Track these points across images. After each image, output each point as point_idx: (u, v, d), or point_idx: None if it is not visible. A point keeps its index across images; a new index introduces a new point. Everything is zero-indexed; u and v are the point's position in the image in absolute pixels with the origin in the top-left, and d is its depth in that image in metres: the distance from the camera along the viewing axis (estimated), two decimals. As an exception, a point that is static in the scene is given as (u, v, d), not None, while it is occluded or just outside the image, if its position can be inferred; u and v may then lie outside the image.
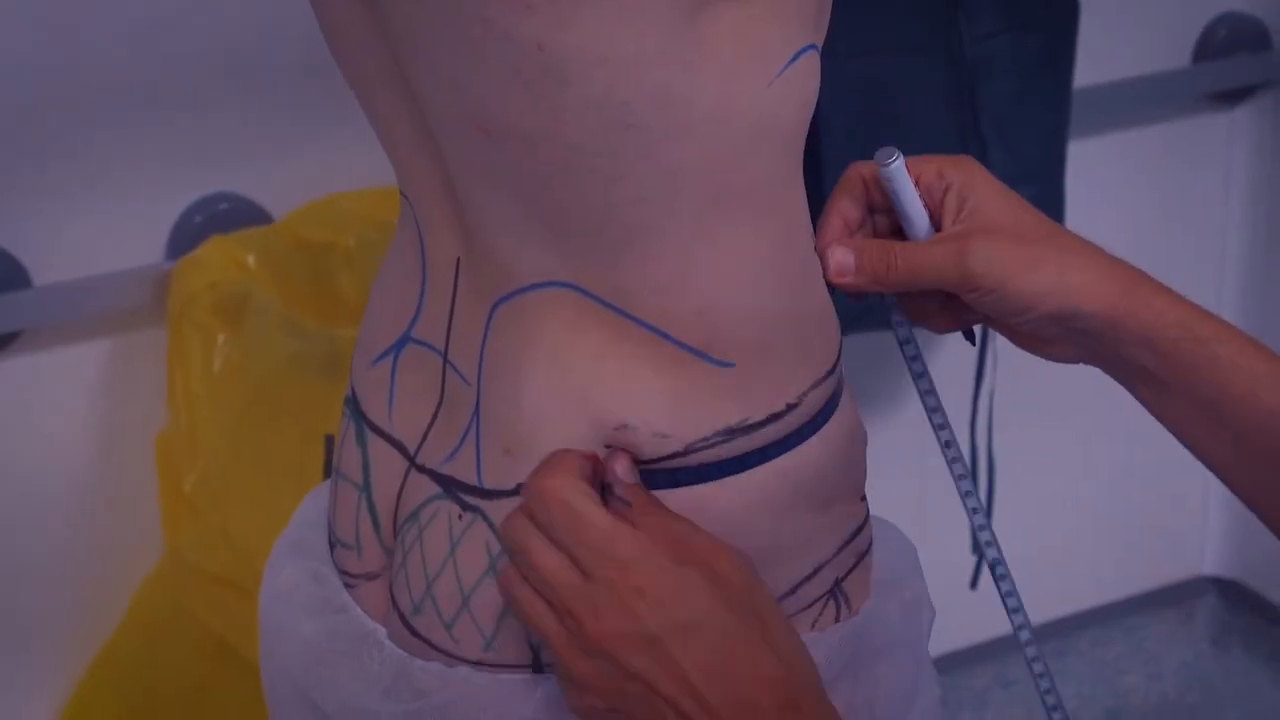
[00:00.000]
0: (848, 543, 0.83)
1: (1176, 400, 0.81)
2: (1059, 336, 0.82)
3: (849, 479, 0.83)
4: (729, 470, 0.77)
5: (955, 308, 0.84)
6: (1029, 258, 0.79)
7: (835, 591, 0.82)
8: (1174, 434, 0.83)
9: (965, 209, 0.82)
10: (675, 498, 0.77)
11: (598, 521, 0.73)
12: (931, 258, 0.80)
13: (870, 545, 0.85)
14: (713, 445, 0.77)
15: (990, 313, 0.82)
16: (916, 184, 0.83)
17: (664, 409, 0.77)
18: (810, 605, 0.81)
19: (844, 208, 0.84)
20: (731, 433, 0.77)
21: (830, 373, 0.81)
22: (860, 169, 0.85)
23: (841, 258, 0.82)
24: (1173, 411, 0.82)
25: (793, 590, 0.80)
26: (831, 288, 0.82)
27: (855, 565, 0.84)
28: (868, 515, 0.85)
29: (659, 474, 0.77)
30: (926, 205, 0.83)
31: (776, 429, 0.78)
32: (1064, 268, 0.79)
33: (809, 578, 0.81)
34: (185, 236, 1.62)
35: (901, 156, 0.83)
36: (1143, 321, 0.79)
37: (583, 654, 0.73)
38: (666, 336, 0.76)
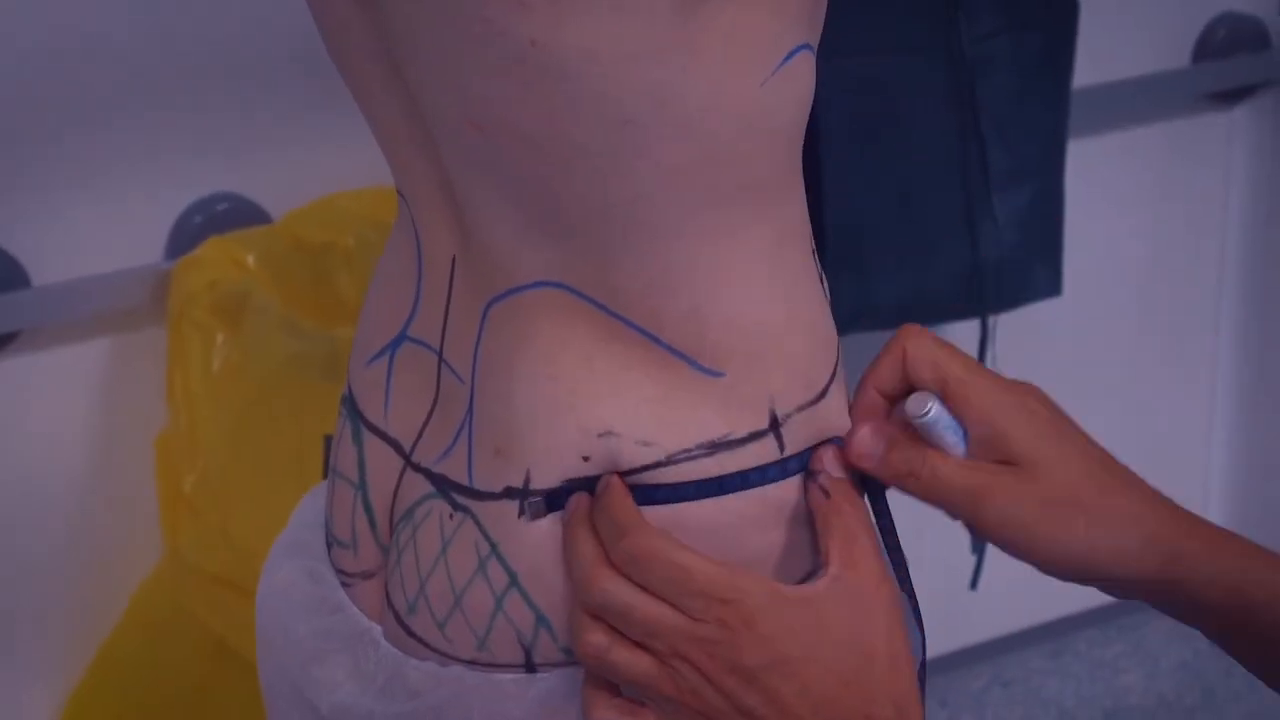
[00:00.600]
0: None
1: (1236, 644, 0.79)
2: None
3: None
4: (707, 492, 0.77)
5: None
6: (1055, 519, 0.77)
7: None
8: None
9: (1008, 447, 0.78)
10: (654, 511, 0.76)
11: (703, 568, 0.74)
12: (951, 491, 0.78)
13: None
14: (695, 457, 0.77)
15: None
16: (968, 408, 0.78)
17: (649, 416, 0.77)
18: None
19: (882, 380, 0.80)
20: (714, 446, 0.77)
21: (822, 396, 0.80)
22: (905, 341, 0.80)
23: (868, 442, 0.79)
24: (1235, 650, 0.80)
25: None
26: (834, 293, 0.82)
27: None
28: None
29: (636, 489, 0.77)
30: (975, 427, 0.79)
31: (758, 451, 0.78)
32: (1093, 539, 0.77)
33: (800, 583, 0.80)
34: (184, 236, 1.62)
35: (935, 404, 0.78)
36: (1188, 592, 0.77)
37: (697, 695, 0.74)
38: (657, 340, 0.76)
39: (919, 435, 0.79)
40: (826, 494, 0.77)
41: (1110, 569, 0.77)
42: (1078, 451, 0.79)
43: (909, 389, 0.80)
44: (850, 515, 0.77)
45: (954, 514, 0.79)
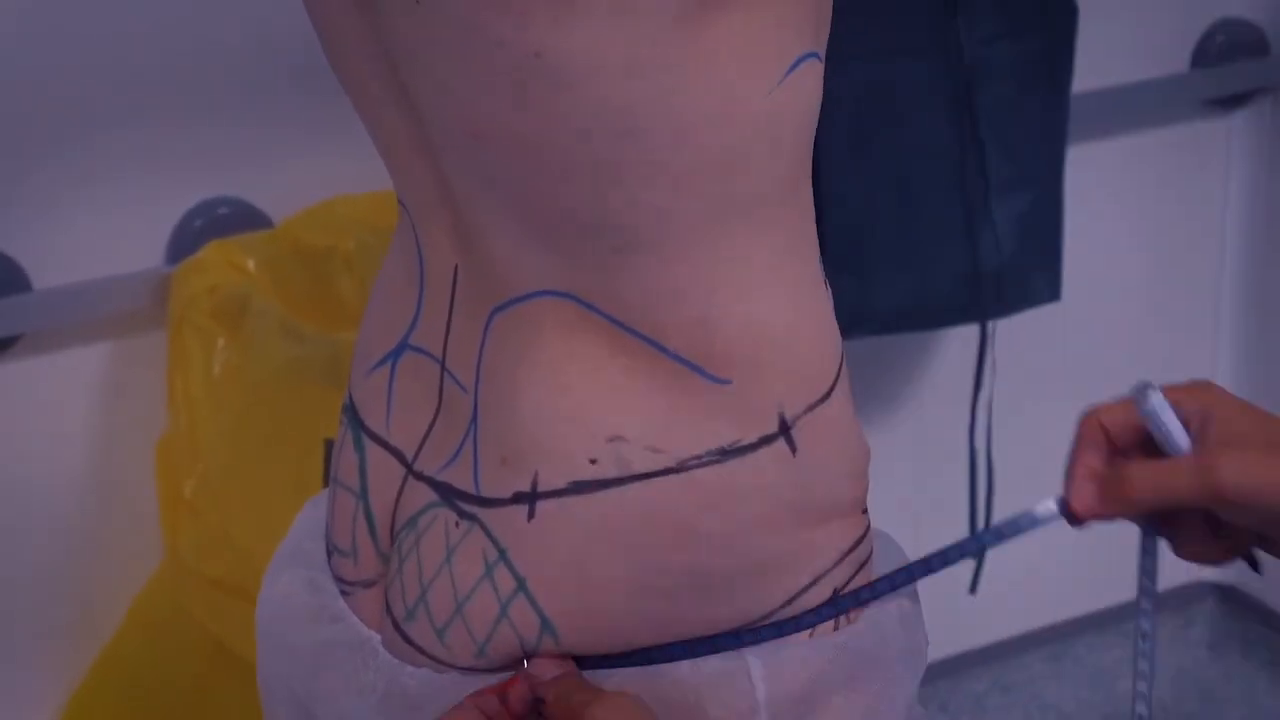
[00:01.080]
0: (848, 553, 0.82)
1: None
2: None
3: (848, 494, 0.82)
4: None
5: (1227, 534, 0.83)
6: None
7: (834, 600, 0.82)
8: None
9: (1211, 429, 0.80)
10: (660, 514, 0.77)
11: None
12: (1175, 476, 0.79)
13: (871, 555, 0.85)
14: (706, 464, 0.77)
15: (1257, 528, 0.80)
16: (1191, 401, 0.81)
17: (658, 423, 0.77)
18: (808, 614, 0.81)
19: (1089, 461, 0.83)
20: (724, 453, 0.77)
21: (828, 395, 0.80)
22: (1099, 416, 0.83)
23: (1087, 496, 0.82)
24: None
25: (790, 600, 0.80)
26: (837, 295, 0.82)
27: (855, 574, 0.83)
28: (869, 527, 0.85)
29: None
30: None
31: (770, 455, 0.78)
32: None
33: (807, 588, 0.81)
34: (185, 240, 1.62)
35: (1155, 389, 0.81)
36: None
37: None
38: (663, 349, 0.76)
39: (1132, 442, 0.82)
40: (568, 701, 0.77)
41: None
42: (1271, 416, 0.82)
43: (1111, 463, 0.83)
44: (609, 698, 0.76)
45: (1192, 500, 0.80)
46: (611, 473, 0.77)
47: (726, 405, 0.77)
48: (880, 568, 0.85)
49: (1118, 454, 0.83)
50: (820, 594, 0.81)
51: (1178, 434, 0.81)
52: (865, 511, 0.84)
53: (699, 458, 0.77)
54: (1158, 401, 0.81)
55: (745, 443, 0.77)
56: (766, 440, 0.77)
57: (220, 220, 1.63)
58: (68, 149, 1.57)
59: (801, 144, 0.77)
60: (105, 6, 1.54)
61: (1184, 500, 0.80)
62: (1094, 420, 0.83)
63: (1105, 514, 0.81)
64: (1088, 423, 0.83)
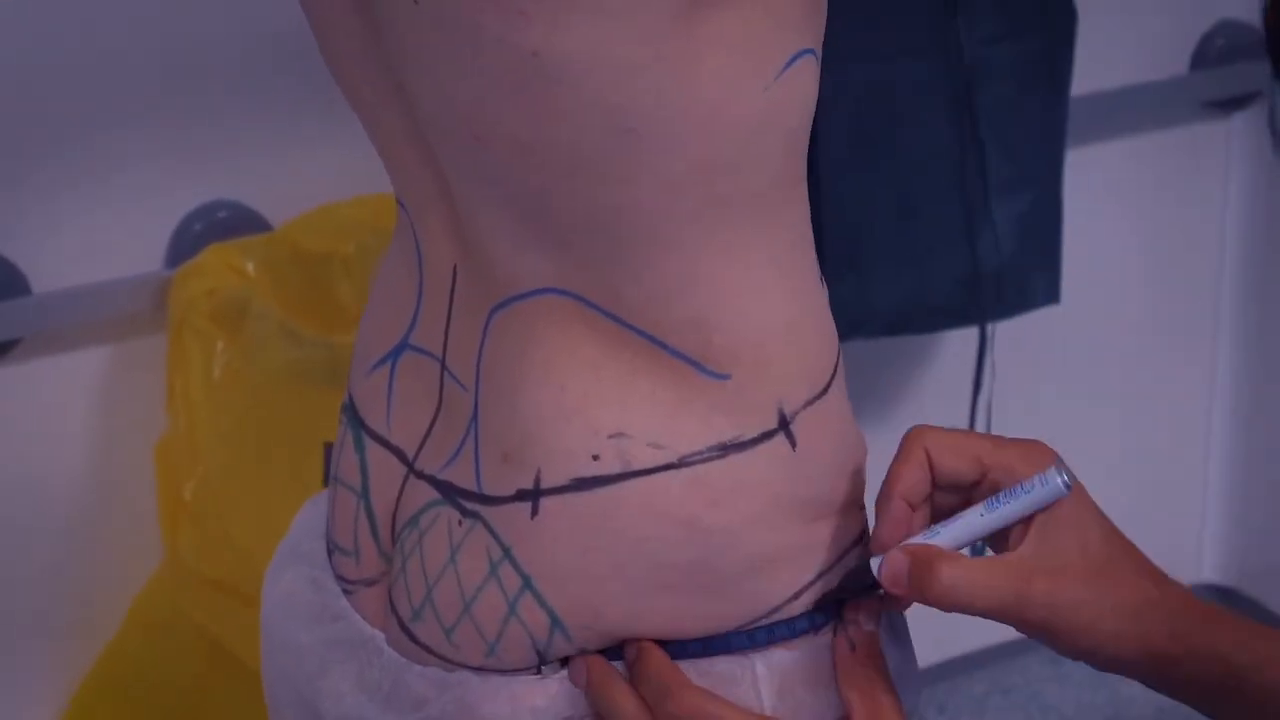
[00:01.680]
0: (849, 549, 0.82)
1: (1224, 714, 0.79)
2: None
3: (847, 489, 0.82)
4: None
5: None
6: (1096, 593, 0.76)
7: (835, 602, 0.82)
8: None
9: (1048, 542, 0.77)
10: (663, 510, 0.77)
11: (738, 717, 0.76)
12: (990, 592, 0.76)
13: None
14: (707, 459, 0.77)
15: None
16: (1012, 478, 0.78)
17: (659, 420, 0.77)
18: (812, 614, 0.81)
19: (909, 486, 0.79)
20: (725, 448, 0.77)
21: (826, 390, 0.80)
22: (924, 438, 0.79)
23: (897, 567, 0.77)
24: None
25: (793, 596, 0.80)
26: (833, 285, 0.82)
27: (856, 573, 0.83)
28: (866, 526, 0.85)
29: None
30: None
31: (769, 451, 0.78)
32: (1119, 622, 0.77)
33: (809, 585, 0.81)
34: (184, 244, 1.62)
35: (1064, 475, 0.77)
36: (1184, 668, 0.77)
37: None
38: (663, 346, 0.76)
39: (951, 476, 0.79)
40: (852, 646, 0.79)
41: (1130, 646, 0.77)
42: (1096, 520, 0.79)
43: (929, 492, 0.80)
44: (873, 670, 0.79)
45: (988, 614, 0.77)
46: (614, 469, 0.77)
47: (726, 401, 0.77)
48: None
49: (937, 485, 0.79)
50: (822, 591, 0.81)
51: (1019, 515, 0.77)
52: (863, 508, 0.84)
53: (700, 453, 0.77)
54: (1057, 486, 0.77)
55: (745, 438, 0.77)
56: (766, 435, 0.78)
57: (219, 224, 1.63)
58: (67, 152, 1.57)
59: (798, 141, 0.77)
60: (104, 10, 1.54)
61: (988, 614, 0.77)
62: (919, 443, 0.79)
63: (905, 596, 0.78)
64: (912, 443, 0.79)
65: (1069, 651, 0.78)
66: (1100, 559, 0.78)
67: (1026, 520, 0.78)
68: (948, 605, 0.77)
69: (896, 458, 0.79)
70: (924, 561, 0.77)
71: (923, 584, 0.76)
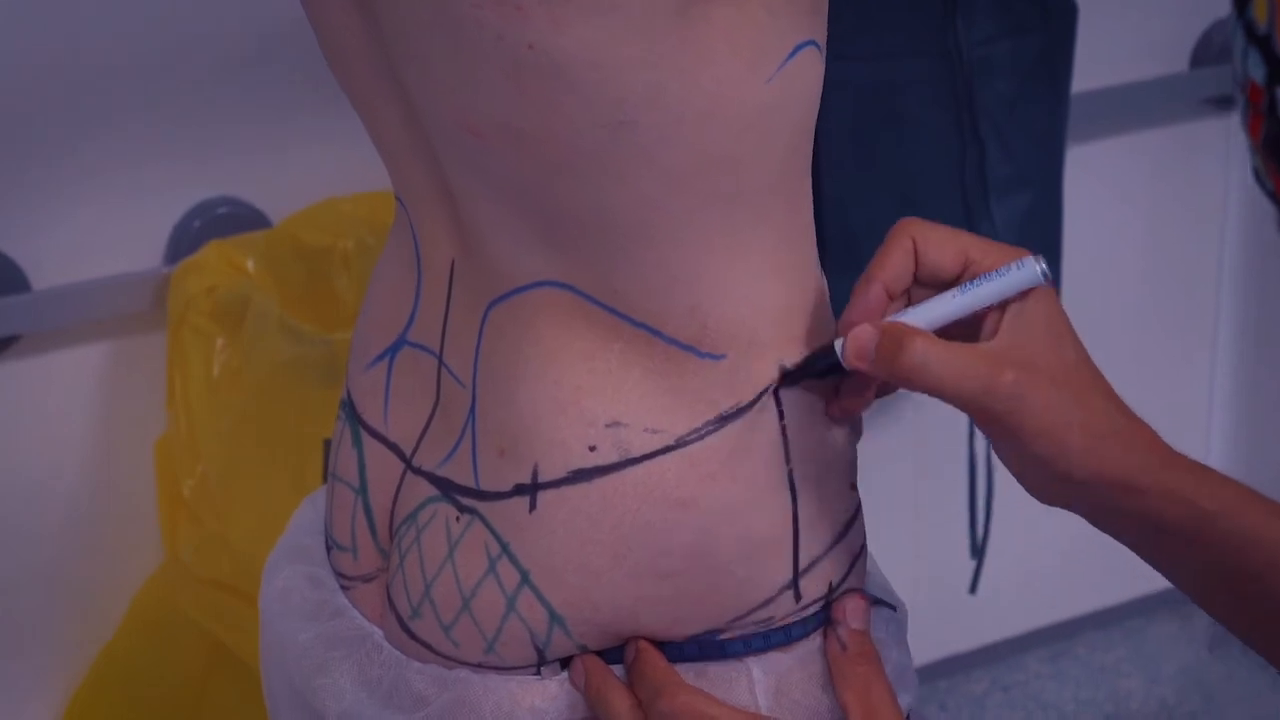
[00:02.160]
0: (841, 537, 0.82)
1: (1183, 572, 0.76)
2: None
3: (838, 473, 0.82)
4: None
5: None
6: (1061, 404, 0.74)
7: (830, 601, 0.82)
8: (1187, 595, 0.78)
9: (1020, 333, 0.75)
10: (660, 493, 0.77)
11: (729, 715, 0.76)
12: (962, 379, 0.73)
13: (864, 549, 0.85)
14: (703, 435, 0.77)
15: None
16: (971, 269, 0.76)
17: (656, 405, 0.77)
18: (807, 620, 0.81)
19: (891, 274, 0.77)
20: (723, 419, 0.77)
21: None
22: (912, 228, 0.78)
23: (864, 341, 0.75)
24: (1179, 578, 0.77)
25: (787, 585, 0.80)
26: (831, 276, 0.82)
27: (849, 570, 0.83)
28: (859, 509, 0.85)
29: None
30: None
31: (762, 408, 0.78)
32: (1088, 439, 0.74)
33: (804, 572, 0.80)
34: (184, 241, 1.62)
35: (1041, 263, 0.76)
36: (1151, 504, 0.75)
37: None
38: (659, 334, 0.76)
39: (936, 272, 0.77)
40: (844, 646, 0.80)
41: (1092, 467, 0.74)
42: (1071, 336, 0.77)
43: (910, 284, 0.78)
44: (869, 671, 0.79)
45: (955, 398, 0.74)
46: (611, 458, 0.77)
47: (722, 378, 0.77)
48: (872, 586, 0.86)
49: (918, 280, 0.77)
50: (816, 585, 0.81)
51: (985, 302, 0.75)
52: (854, 487, 0.84)
53: (697, 430, 0.77)
54: (1034, 273, 0.75)
55: (744, 403, 0.77)
56: (764, 392, 0.77)
57: (219, 220, 1.63)
58: (66, 149, 1.57)
59: (801, 133, 0.77)
60: (104, 8, 1.54)
61: (955, 397, 0.73)
62: (906, 232, 0.77)
63: (871, 373, 0.75)
64: (900, 231, 0.77)
65: (1026, 456, 0.74)
66: (1071, 369, 0.75)
67: (1000, 314, 0.75)
68: (915, 383, 0.73)
69: (883, 246, 0.77)
70: (894, 336, 0.74)
71: (891, 359, 0.73)
